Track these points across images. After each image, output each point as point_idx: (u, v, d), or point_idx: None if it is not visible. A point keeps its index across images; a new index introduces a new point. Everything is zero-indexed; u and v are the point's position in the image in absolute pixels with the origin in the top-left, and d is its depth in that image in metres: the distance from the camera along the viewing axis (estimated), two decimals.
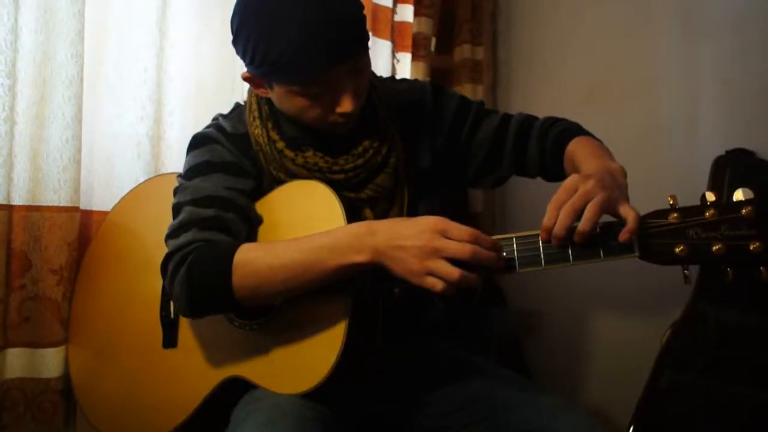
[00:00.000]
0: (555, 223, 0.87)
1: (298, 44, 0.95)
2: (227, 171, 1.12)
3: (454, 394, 1.13)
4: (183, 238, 1.04)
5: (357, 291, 1.00)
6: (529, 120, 1.22)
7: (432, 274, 0.88)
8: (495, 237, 0.93)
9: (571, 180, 0.88)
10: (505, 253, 0.92)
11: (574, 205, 0.86)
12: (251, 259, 0.98)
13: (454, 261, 0.87)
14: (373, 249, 0.92)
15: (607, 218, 0.88)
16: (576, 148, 1.08)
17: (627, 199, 0.89)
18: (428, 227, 0.89)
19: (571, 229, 0.86)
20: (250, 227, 1.10)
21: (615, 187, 0.89)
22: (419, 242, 0.88)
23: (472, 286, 0.88)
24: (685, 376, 1.50)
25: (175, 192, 1.13)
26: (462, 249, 0.87)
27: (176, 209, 1.10)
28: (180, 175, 1.16)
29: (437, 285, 0.88)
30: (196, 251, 1.01)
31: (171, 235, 1.07)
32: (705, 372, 1.49)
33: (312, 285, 0.97)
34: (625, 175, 0.95)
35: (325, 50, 0.96)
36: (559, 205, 0.87)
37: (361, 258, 0.93)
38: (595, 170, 0.93)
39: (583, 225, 0.85)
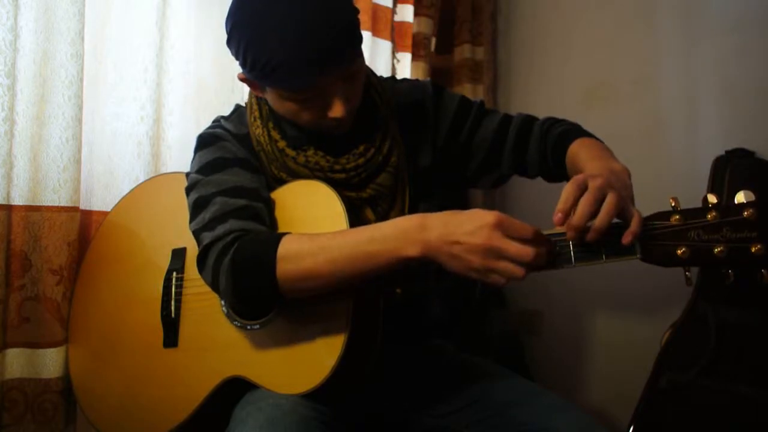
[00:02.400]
0: (571, 206, 0.86)
1: (289, 53, 0.95)
2: (243, 166, 1.12)
3: (454, 394, 1.13)
4: (221, 229, 1.02)
5: (358, 291, 1.00)
6: (529, 120, 1.22)
7: (494, 272, 0.86)
8: None
9: (579, 176, 0.88)
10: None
11: (594, 196, 0.85)
12: (296, 250, 0.96)
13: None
14: (426, 244, 0.90)
15: None
16: (578, 149, 1.08)
17: (632, 200, 0.90)
18: (487, 223, 0.86)
19: (588, 221, 0.85)
20: (273, 219, 1.10)
21: (621, 187, 0.89)
22: (478, 240, 0.86)
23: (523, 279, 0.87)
24: (685, 376, 1.51)
25: (191, 188, 1.11)
26: (526, 252, 0.85)
27: (201, 203, 1.07)
28: (189, 174, 1.14)
29: (500, 281, 0.87)
30: (240, 241, 0.99)
31: (205, 227, 1.04)
32: (705, 372, 1.49)
33: (359, 278, 0.95)
34: (629, 175, 0.95)
35: (315, 59, 0.95)
36: (573, 195, 0.86)
37: (412, 252, 0.90)
38: (601, 171, 0.92)
39: (600, 221, 0.84)
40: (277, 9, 0.95)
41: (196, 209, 1.08)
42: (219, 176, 1.09)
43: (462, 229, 0.88)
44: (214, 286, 1.02)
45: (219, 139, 1.15)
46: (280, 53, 0.95)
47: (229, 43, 1.03)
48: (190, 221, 1.09)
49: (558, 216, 0.87)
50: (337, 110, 1.02)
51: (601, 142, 1.12)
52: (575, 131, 1.15)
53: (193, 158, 1.16)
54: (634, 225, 0.85)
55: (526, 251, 0.84)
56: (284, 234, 0.99)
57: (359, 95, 1.09)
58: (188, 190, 1.12)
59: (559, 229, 0.90)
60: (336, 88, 1.01)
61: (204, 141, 1.16)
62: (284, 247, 0.96)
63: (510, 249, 0.85)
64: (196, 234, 1.06)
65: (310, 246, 0.96)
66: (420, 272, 0.98)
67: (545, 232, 0.90)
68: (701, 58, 1.76)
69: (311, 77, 0.98)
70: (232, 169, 1.10)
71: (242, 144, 1.15)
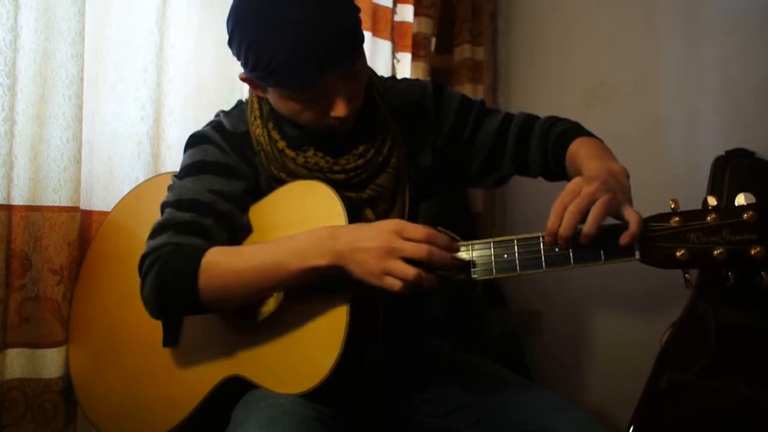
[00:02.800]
0: (559, 226, 0.87)
1: (290, 52, 0.95)
2: (217, 172, 1.12)
3: (454, 394, 1.13)
4: (158, 240, 1.05)
5: (357, 291, 1.00)
6: (530, 120, 1.22)
7: (390, 274, 0.89)
8: (498, 239, 0.94)
9: (574, 183, 0.89)
10: (506, 255, 0.92)
11: (579, 206, 0.86)
12: (217, 262, 1.00)
13: (412, 262, 0.89)
14: (334, 252, 0.93)
15: (609, 220, 0.88)
16: (578, 149, 1.08)
17: (630, 201, 0.89)
18: (386, 229, 0.91)
19: (576, 232, 0.86)
20: (233, 232, 1.10)
21: (619, 189, 0.89)
22: (377, 243, 0.90)
23: (428, 286, 0.90)
24: (685, 376, 1.51)
25: (167, 190, 1.14)
26: (418, 249, 0.89)
27: (161, 209, 1.11)
28: (174, 174, 1.17)
29: (395, 285, 0.89)
30: (166, 254, 1.03)
31: (150, 235, 1.08)
32: (705, 372, 1.49)
33: (275, 288, 1.01)
34: (628, 176, 0.95)
35: (317, 59, 0.96)
36: (563, 206, 0.87)
37: (321, 261, 0.94)
38: (598, 172, 0.93)
39: (588, 227, 0.85)
40: (279, 9, 0.96)
41: (160, 213, 1.12)
42: (186, 182, 1.12)
43: (364, 236, 0.92)
44: (141, 294, 1.06)
45: (205, 140, 1.16)
46: (281, 53, 0.95)
47: (230, 43, 1.03)
48: None
49: (547, 239, 0.89)
50: (339, 109, 1.02)
51: (601, 141, 1.12)
52: (575, 130, 1.15)
53: (182, 157, 1.18)
54: (633, 226, 0.85)
55: (420, 248, 0.88)
56: (209, 247, 1.02)
57: (361, 95, 1.09)
58: (167, 191, 1.15)
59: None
60: (338, 88, 1.01)
61: (191, 141, 1.18)
62: (207, 260, 1.00)
63: (404, 248, 0.89)
64: (146, 240, 1.09)
65: (232, 258, 1.00)
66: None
67: (532, 235, 0.91)
68: (701, 58, 1.76)
69: (313, 77, 0.98)
70: (202, 176, 1.12)
71: (236, 143, 1.15)
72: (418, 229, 0.90)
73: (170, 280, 1.01)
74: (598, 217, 0.85)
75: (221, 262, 1.00)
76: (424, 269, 0.89)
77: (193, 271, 0.99)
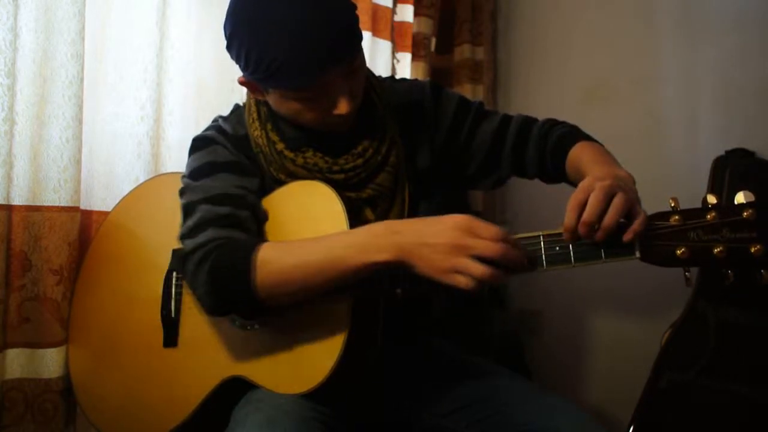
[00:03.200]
0: (577, 222, 0.86)
1: (290, 51, 0.95)
2: (233, 170, 1.12)
3: (455, 394, 1.13)
4: (202, 237, 1.03)
5: (358, 291, 1.00)
6: (528, 122, 1.22)
7: (459, 271, 0.87)
8: None
9: (587, 180, 0.88)
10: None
11: (604, 193, 0.85)
12: (272, 258, 0.97)
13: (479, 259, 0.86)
14: (398, 247, 0.91)
15: None
16: (581, 153, 1.08)
17: (639, 203, 0.89)
18: (455, 225, 0.88)
19: (599, 219, 0.85)
20: (260, 226, 1.10)
21: (629, 191, 0.89)
22: (446, 239, 0.87)
23: (497, 283, 0.88)
24: (685, 376, 1.51)
25: (182, 193, 1.13)
26: (491, 247, 0.86)
27: (189, 209, 1.09)
28: (185, 176, 1.15)
29: (464, 282, 0.86)
30: (218, 249, 1.01)
31: (188, 234, 1.06)
32: (705, 372, 1.49)
33: (333, 284, 0.96)
34: (634, 182, 0.94)
35: (317, 57, 0.96)
36: (579, 202, 0.86)
37: (384, 257, 0.91)
38: (606, 175, 0.92)
39: (609, 218, 0.84)
40: (277, 10, 0.96)
41: (184, 215, 1.10)
42: (206, 182, 1.10)
43: (431, 231, 0.89)
44: (194, 293, 1.04)
45: (212, 142, 1.15)
46: (282, 53, 0.95)
47: (229, 47, 1.03)
48: (181, 226, 1.10)
49: (566, 236, 0.88)
50: (342, 107, 1.02)
51: (602, 146, 1.12)
52: (574, 134, 1.15)
53: (187, 161, 1.17)
54: (637, 223, 0.85)
55: (493, 247, 0.86)
56: (262, 241, 1.00)
57: (361, 92, 1.09)
58: (180, 194, 1.13)
59: (558, 229, 0.90)
60: (339, 86, 1.01)
61: (196, 144, 1.17)
62: (260, 254, 0.98)
63: (476, 246, 0.86)
64: (181, 240, 1.08)
65: (285, 253, 0.98)
66: (390, 278, 0.98)
67: (548, 232, 0.90)
68: (701, 58, 1.76)
69: (314, 76, 0.98)
70: (220, 175, 1.11)
71: (239, 145, 1.15)
72: (490, 228, 0.88)
73: (225, 276, 0.99)
74: (619, 209, 0.84)
75: (277, 258, 0.97)
76: (493, 266, 0.87)
77: (248, 266, 0.97)
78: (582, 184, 0.88)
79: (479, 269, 0.85)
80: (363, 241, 0.93)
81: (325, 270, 0.95)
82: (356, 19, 1.02)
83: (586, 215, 0.85)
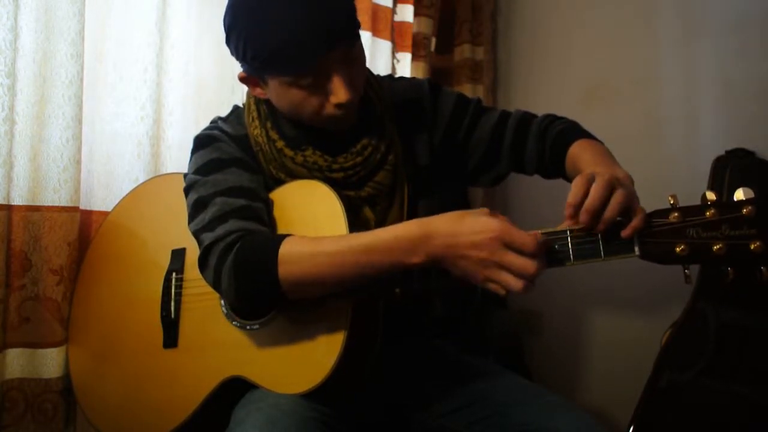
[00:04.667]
0: (581, 200, 0.86)
1: (288, 34, 0.96)
2: (240, 166, 1.12)
3: (454, 394, 1.13)
4: (221, 229, 1.02)
5: (357, 291, 1.00)
6: (527, 117, 1.22)
7: (494, 281, 0.87)
8: None
9: (585, 172, 0.89)
10: None
11: (605, 184, 0.85)
12: (298, 253, 0.96)
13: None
14: (430, 254, 0.90)
15: None
16: (580, 151, 1.08)
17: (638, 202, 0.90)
18: (492, 236, 0.86)
19: (603, 205, 0.85)
20: (272, 219, 1.10)
21: (628, 186, 0.89)
22: (482, 253, 0.86)
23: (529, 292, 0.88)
24: (685, 376, 1.51)
25: (189, 189, 1.12)
26: (526, 266, 0.85)
27: (200, 204, 1.07)
28: (188, 175, 1.14)
29: (499, 291, 0.87)
30: (242, 241, 1.00)
31: (205, 228, 1.04)
32: (705, 372, 1.49)
33: (358, 282, 0.96)
34: (632, 182, 0.94)
35: (314, 38, 0.96)
36: (586, 183, 0.86)
37: (416, 260, 0.91)
38: (605, 173, 0.92)
39: (610, 211, 0.84)
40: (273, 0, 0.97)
41: (195, 210, 1.08)
42: (217, 176, 1.09)
43: (466, 240, 0.88)
44: (216, 286, 1.02)
45: (215, 140, 1.15)
46: (280, 36, 0.96)
47: (228, 40, 1.03)
48: (189, 222, 1.09)
49: (570, 210, 0.87)
50: (341, 94, 1.02)
51: (602, 144, 1.12)
52: (574, 130, 1.15)
53: (191, 160, 1.16)
54: (636, 220, 0.85)
55: (528, 265, 0.85)
56: (286, 236, 0.99)
57: (361, 84, 1.09)
58: (187, 191, 1.12)
59: (560, 228, 0.90)
60: (338, 71, 1.01)
61: (200, 142, 1.16)
62: (286, 249, 0.96)
63: (513, 263, 0.85)
64: (197, 234, 1.06)
65: (313, 249, 0.96)
66: (420, 274, 0.98)
67: (546, 230, 0.90)
68: (701, 57, 1.76)
69: (313, 59, 0.98)
70: (230, 169, 1.10)
71: (239, 145, 1.15)
72: (526, 242, 0.85)
73: (250, 269, 0.98)
74: (621, 202, 0.84)
75: (302, 252, 0.96)
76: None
77: (272, 260, 0.96)
78: (585, 172, 0.89)
79: (515, 284, 0.85)
80: (395, 243, 0.92)
81: (358, 272, 0.94)
82: (353, 6, 1.03)
83: (589, 202, 0.85)
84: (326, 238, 0.98)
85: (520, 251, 0.86)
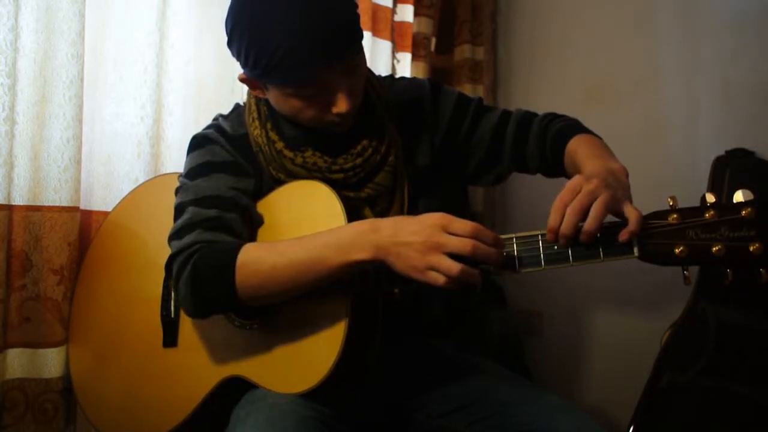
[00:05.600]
0: (560, 223, 0.87)
1: (291, 46, 0.95)
2: (228, 171, 1.12)
3: (454, 394, 1.13)
4: (187, 239, 1.04)
5: (357, 291, 1.00)
6: (528, 116, 1.22)
7: (433, 269, 0.88)
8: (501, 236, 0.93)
9: (574, 181, 0.89)
10: (506, 252, 0.92)
11: (580, 204, 0.86)
12: (254, 259, 0.98)
13: (456, 256, 0.87)
14: (376, 246, 0.92)
15: (609, 218, 0.88)
16: (577, 146, 1.08)
17: (630, 199, 0.90)
18: (430, 223, 0.89)
19: (577, 229, 0.86)
20: (251, 227, 1.11)
21: (619, 187, 0.89)
22: (421, 237, 0.89)
23: (473, 281, 0.88)
24: (685, 376, 1.51)
25: (177, 192, 1.13)
26: (463, 244, 0.87)
27: (179, 210, 1.10)
28: (181, 176, 1.16)
29: (439, 279, 0.88)
30: (200, 252, 1.02)
31: (174, 236, 1.07)
32: (705, 372, 1.49)
33: (315, 284, 0.97)
34: (627, 174, 0.95)
35: (317, 52, 0.96)
36: (564, 204, 0.87)
37: (363, 255, 0.92)
38: (598, 170, 0.93)
39: (588, 224, 0.85)
40: (277, 6, 0.96)
41: (175, 215, 1.10)
42: (200, 182, 1.11)
43: (408, 229, 0.90)
44: (177, 294, 1.05)
45: (210, 141, 1.15)
46: (282, 49, 0.95)
47: (230, 43, 1.03)
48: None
49: (549, 236, 0.89)
50: (341, 105, 1.02)
51: (600, 139, 1.12)
52: (573, 127, 1.15)
53: (186, 159, 1.17)
54: (633, 223, 0.85)
55: (465, 243, 0.87)
56: (244, 244, 1.01)
57: (361, 90, 1.09)
58: (176, 193, 1.14)
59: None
60: (339, 83, 1.01)
61: (196, 142, 1.17)
62: (243, 256, 0.98)
63: (449, 243, 0.87)
64: (168, 241, 1.08)
65: (268, 254, 0.98)
66: (374, 277, 0.99)
67: (531, 233, 0.90)
68: (701, 58, 1.77)
69: (314, 72, 0.98)
70: (216, 175, 1.11)
71: (238, 145, 1.15)
72: (464, 224, 0.89)
73: (206, 278, 1.00)
74: (598, 214, 0.85)
75: (258, 259, 0.98)
76: (468, 264, 0.87)
77: (229, 269, 0.98)
78: (568, 185, 0.89)
79: (451, 266, 0.87)
80: (344, 240, 0.94)
81: (306, 270, 0.96)
82: (357, 16, 1.02)
83: (563, 228, 0.86)
84: (284, 240, 1.00)
85: (460, 235, 0.88)
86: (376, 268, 0.96)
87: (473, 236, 0.88)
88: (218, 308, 1.06)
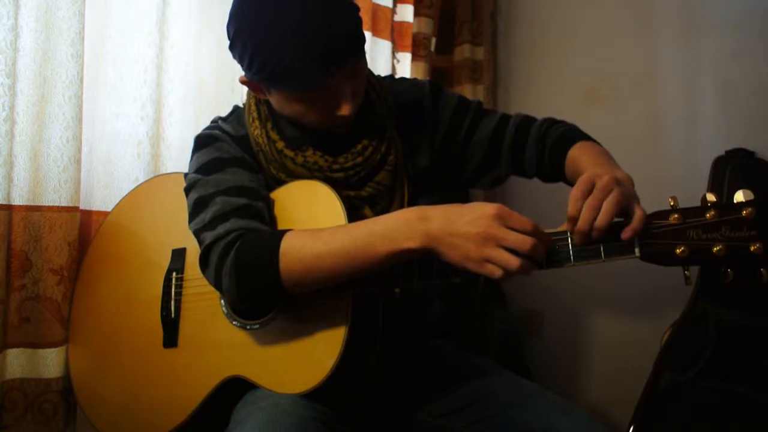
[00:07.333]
0: (578, 212, 0.86)
1: (295, 55, 0.95)
2: (241, 165, 1.12)
3: (454, 394, 1.13)
4: (222, 228, 1.02)
5: (357, 291, 1.00)
6: (527, 121, 1.22)
7: (490, 261, 0.86)
8: None
9: (589, 173, 0.89)
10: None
11: (597, 198, 0.85)
12: (298, 247, 0.96)
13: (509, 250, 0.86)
14: (427, 234, 0.90)
15: None
16: (580, 153, 1.08)
17: (638, 201, 0.90)
18: (488, 213, 0.87)
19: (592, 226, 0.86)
20: (273, 218, 1.10)
21: (626, 188, 0.89)
22: (477, 228, 0.86)
23: (525, 275, 0.87)
24: (685, 376, 1.51)
25: (189, 188, 1.12)
26: (522, 241, 0.85)
27: (200, 203, 1.07)
28: (188, 174, 1.15)
29: (495, 272, 0.86)
30: (242, 239, 1.00)
31: (207, 227, 1.04)
32: (705, 372, 1.49)
33: (360, 272, 0.95)
34: (632, 183, 0.94)
35: (321, 59, 0.96)
36: (584, 194, 0.87)
37: (413, 244, 0.90)
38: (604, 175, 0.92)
39: (600, 220, 0.85)
40: (281, 13, 0.96)
41: (196, 209, 1.08)
42: (218, 176, 1.09)
43: (462, 219, 0.88)
44: (217, 285, 1.02)
45: (216, 139, 1.15)
46: (286, 57, 0.95)
47: (232, 47, 1.03)
48: (190, 221, 1.09)
49: (569, 226, 0.88)
50: (345, 109, 1.03)
51: (601, 146, 1.12)
52: (574, 133, 1.15)
53: (191, 159, 1.16)
54: (635, 222, 0.85)
55: (524, 240, 0.85)
56: (286, 231, 0.99)
57: (363, 92, 1.09)
58: (187, 190, 1.12)
59: (560, 229, 0.90)
60: (342, 87, 1.02)
61: (201, 142, 1.16)
62: (286, 244, 0.97)
63: (508, 237, 0.86)
64: (197, 234, 1.06)
65: (312, 241, 0.96)
66: (421, 270, 0.98)
67: (547, 231, 0.90)
68: (701, 57, 1.77)
69: (320, 78, 0.98)
70: (231, 169, 1.11)
71: (240, 145, 1.15)
72: (523, 220, 0.87)
73: (251, 267, 0.98)
74: (610, 210, 0.85)
75: (302, 246, 0.96)
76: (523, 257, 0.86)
77: (273, 256, 0.96)
78: (583, 177, 0.88)
79: (512, 261, 0.85)
80: (392, 228, 0.92)
81: (350, 259, 0.94)
82: (359, 21, 1.02)
83: (580, 224, 0.86)
84: (325, 229, 0.98)
85: (516, 230, 0.86)
86: (422, 258, 0.94)
87: (533, 234, 0.86)
88: (262, 297, 1.03)
